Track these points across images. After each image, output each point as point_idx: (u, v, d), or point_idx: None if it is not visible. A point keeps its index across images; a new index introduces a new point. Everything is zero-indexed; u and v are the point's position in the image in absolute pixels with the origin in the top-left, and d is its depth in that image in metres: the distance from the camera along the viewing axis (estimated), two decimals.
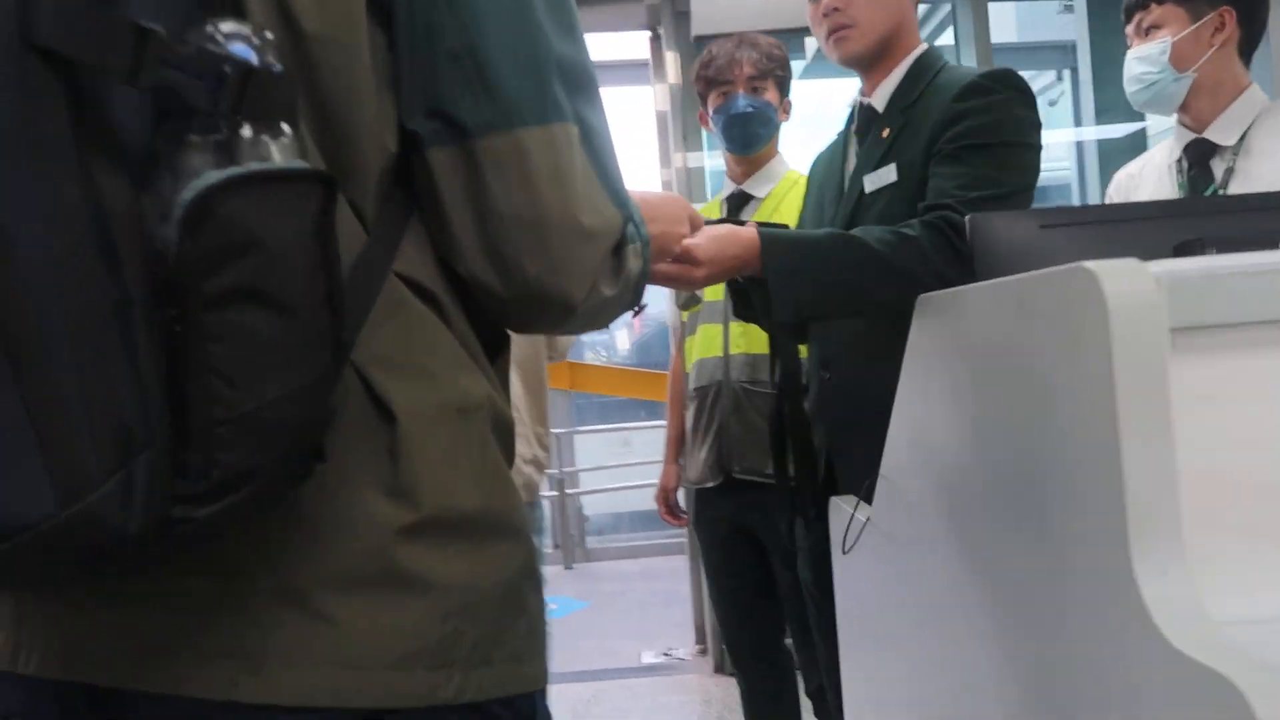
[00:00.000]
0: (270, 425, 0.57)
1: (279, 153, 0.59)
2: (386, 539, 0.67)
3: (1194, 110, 1.94)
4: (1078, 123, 5.70)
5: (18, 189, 0.50)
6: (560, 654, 4.35)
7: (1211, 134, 1.93)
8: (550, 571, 6.09)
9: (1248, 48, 1.94)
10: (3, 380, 0.50)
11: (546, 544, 6.51)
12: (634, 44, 4.43)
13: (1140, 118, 5.10)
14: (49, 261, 0.51)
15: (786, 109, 2.34)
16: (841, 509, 1.46)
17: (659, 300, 2.85)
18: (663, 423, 2.79)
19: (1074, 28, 5.78)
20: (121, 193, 0.54)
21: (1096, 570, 0.69)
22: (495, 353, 0.80)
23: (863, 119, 1.66)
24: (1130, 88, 1.98)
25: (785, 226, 1.59)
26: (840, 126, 1.78)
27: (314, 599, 0.65)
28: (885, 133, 1.58)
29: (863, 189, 1.58)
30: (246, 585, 0.65)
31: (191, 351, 0.55)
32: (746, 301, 1.50)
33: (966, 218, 1.16)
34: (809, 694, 2.24)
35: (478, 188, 0.71)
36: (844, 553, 1.29)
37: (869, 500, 1.33)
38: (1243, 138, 1.89)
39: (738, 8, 3.75)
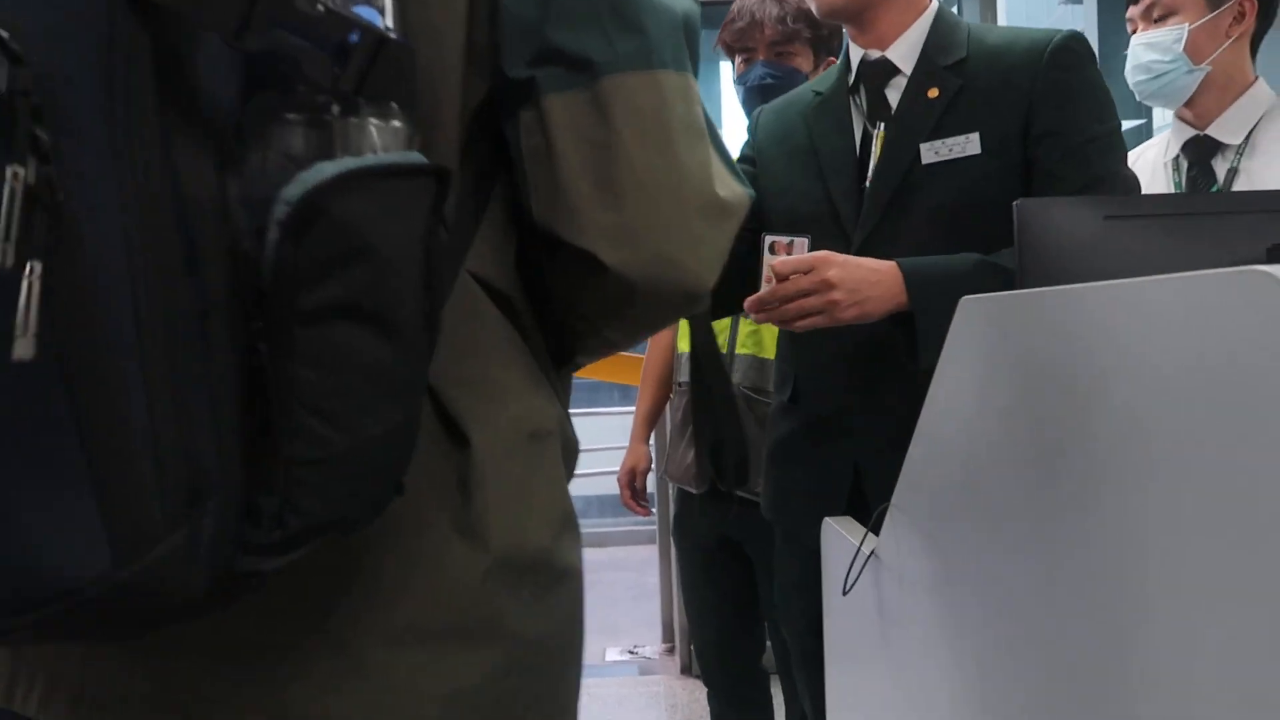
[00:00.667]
0: (365, 468, 0.49)
1: (390, 140, 0.50)
2: (455, 584, 0.59)
3: (1199, 105, 1.78)
4: None
5: (91, 166, 0.41)
6: None
7: (1215, 131, 1.77)
8: None
9: (1257, 41, 1.80)
10: (55, 406, 0.41)
11: None
12: None
13: (1146, 113, 4.96)
14: (122, 260, 0.42)
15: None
16: (838, 536, 1.26)
17: None
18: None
19: (1081, 19, 5.67)
20: (204, 177, 0.45)
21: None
22: (560, 365, 0.70)
23: (873, 74, 1.42)
24: (1136, 77, 1.80)
25: None
26: None
27: (367, 652, 0.57)
28: (934, 93, 1.35)
29: (917, 157, 1.34)
30: (290, 634, 0.57)
31: (278, 377, 0.46)
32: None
33: (1015, 203, 0.96)
34: None
35: (606, 140, 0.59)
36: (844, 594, 1.10)
37: (876, 531, 1.14)
38: (1248, 137, 1.74)
39: None
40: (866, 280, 1.23)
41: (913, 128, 1.35)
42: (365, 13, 0.49)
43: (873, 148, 1.39)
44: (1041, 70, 1.31)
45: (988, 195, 1.28)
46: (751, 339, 1.97)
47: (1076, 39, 1.34)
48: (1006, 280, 1.17)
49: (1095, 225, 0.96)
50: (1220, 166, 1.77)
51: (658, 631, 4.15)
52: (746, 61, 1.96)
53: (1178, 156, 1.81)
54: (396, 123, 0.50)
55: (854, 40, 1.45)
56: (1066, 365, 0.66)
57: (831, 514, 1.38)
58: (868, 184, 1.38)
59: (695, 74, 0.65)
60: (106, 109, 0.42)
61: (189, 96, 0.45)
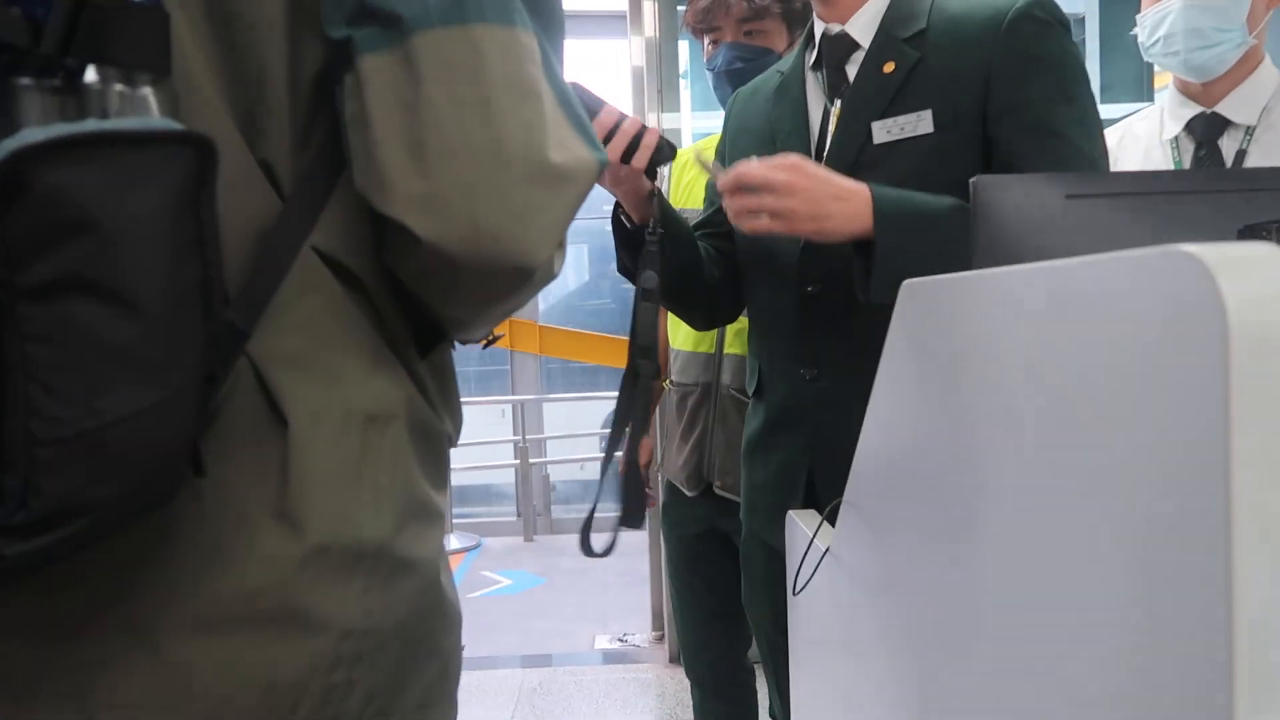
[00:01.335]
0: (115, 449, 0.47)
1: (134, 107, 0.48)
2: (268, 571, 0.56)
3: (1214, 82, 1.69)
4: None
5: None
6: (510, 635, 4.18)
7: (1225, 109, 1.69)
8: (509, 544, 5.88)
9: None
10: None
11: (509, 514, 6.31)
12: None
13: (1149, 97, 4.85)
14: None
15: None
16: (800, 529, 1.21)
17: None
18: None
19: (1083, 1, 5.57)
20: None
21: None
22: (429, 346, 0.67)
23: (833, 50, 1.34)
24: (1181, 43, 1.67)
25: None
26: None
27: (171, 639, 0.55)
28: (890, 67, 1.26)
29: (868, 137, 1.27)
30: (95, 619, 0.55)
31: (9, 353, 0.44)
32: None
33: (971, 180, 0.90)
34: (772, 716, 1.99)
35: (415, 101, 0.55)
36: (794, 594, 1.04)
37: (834, 522, 1.09)
38: (1260, 116, 1.67)
39: None
40: (831, 196, 1.14)
41: (865, 105, 1.28)
42: None
43: (829, 127, 1.32)
44: (1000, 40, 1.21)
45: (944, 174, 1.20)
46: (739, 339, 1.89)
47: (1041, 5, 1.23)
48: None
49: (1056, 204, 0.90)
50: (1228, 146, 1.69)
51: (648, 619, 4.12)
52: (715, 43, 1.84)
53: (1178, 135, 1.73)
54: (145, 89, 0.48)
55: (819, 15, 1.37)
56: (995, 352, 0.60)
57: (787, 510, 1.32)
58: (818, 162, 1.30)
59: (554, 28, 0.61)
60: None
61: None
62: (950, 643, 0.74)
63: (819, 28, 1.37)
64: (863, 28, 1.32)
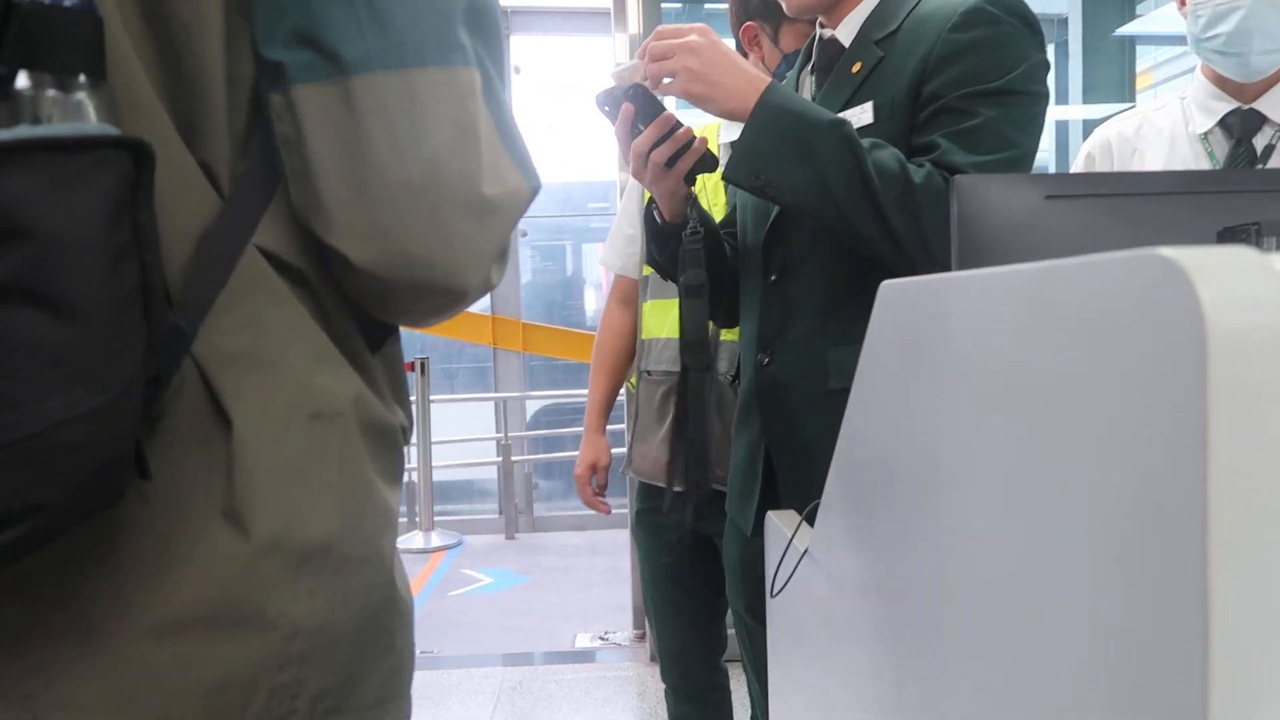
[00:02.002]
0: (54, 454, 0.47)
1: (68, 113, 0.48)
2: (216, 571, 0.57)
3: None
4: (1062, 100, 5.46)
5: None
6: (491, 633, 4.17)
7: (1264, 106, 1.70)
8: (492, 541, 5.86)
9: None
10: None
11: (491, 511, 6.29)
12: None
13: (1130, 99, 4.88)
14: None
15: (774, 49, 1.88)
16: (779, 529, 1.21)
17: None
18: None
19: (1066, 1, 5.58)
20: None
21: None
22: (379, 342, 0.68)
23: (823, 54, 1.39)
24: (1250, 44, 1.64)
25: None
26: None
27: (119, 640, 0.55)
28: (856, 68, 1.30)
29: None
30: (42, 621, 0.55)
31: None
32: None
33: (953, 179, 0.90)
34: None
35: (355, 139, 0.57)
36: (771, 596, 1.04)
37: (812, 523, 1.08)
38: None
39: None
40: (727, 70, 1.20)
41: (827, 103, 1.31)
42: None
43: None
44: (945, 31, 1.22)
45: None
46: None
47: (998, 3, 1.22)
48: (856, 161, 1.15)
49: (1036, 205, 0.90)
50: (1258, 142, 1.70)
51: (629, 618, 4.11)
52: None
53: (1211, 130, 1.73)
54: (80, 95, 0.48)
55: (819, 20, 1.41)
56: (974, 354, 0.60)
57: (752, 495, 1.37)
58: None
59: (493, 43, 0.62)
60: None
61: None
62: (928, 643, 0.73)
63: (816, 33, 1.42)
64: (848, 32, 1.35)
